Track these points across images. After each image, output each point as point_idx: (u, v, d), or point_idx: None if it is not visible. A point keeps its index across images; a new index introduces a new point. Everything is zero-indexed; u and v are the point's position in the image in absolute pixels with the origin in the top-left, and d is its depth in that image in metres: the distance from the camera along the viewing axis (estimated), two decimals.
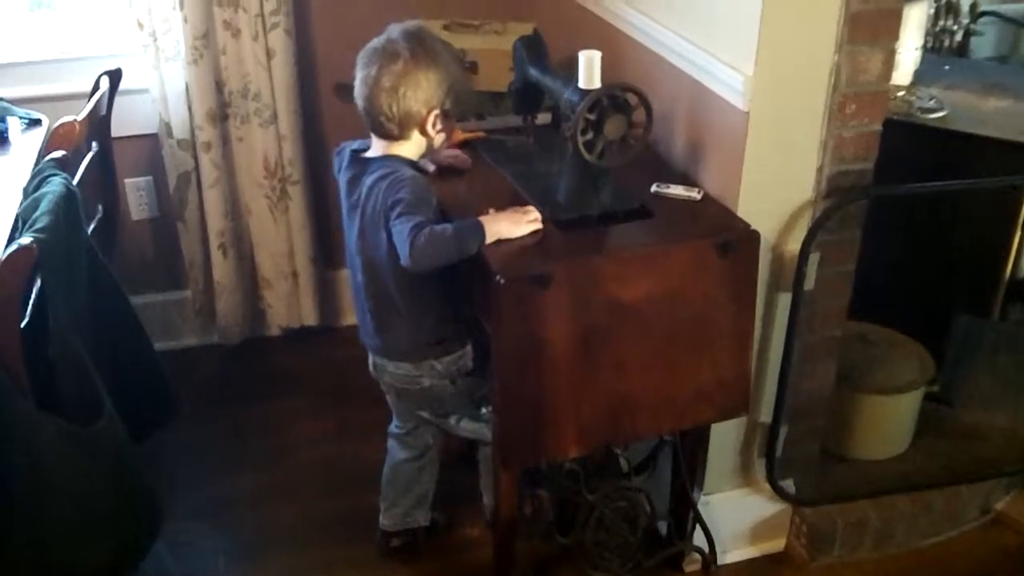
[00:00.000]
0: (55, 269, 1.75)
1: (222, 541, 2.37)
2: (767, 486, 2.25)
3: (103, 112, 2.35)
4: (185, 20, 2.56)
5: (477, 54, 2.42)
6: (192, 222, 2.84)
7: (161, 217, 2.92)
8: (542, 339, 1.82)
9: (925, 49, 2.65)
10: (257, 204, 2.85)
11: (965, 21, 2.96)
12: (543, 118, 2.23)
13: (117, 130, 2.48)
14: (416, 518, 2.29)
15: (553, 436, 1.91)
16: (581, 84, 1.87)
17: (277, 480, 2.55)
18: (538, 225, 1.87)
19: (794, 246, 2.01)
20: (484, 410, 2.05)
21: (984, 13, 3.05)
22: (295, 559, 2.33)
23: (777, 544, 2.35)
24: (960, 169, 2.33)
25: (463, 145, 2.21)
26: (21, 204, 1.88)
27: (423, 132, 1.90)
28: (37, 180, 1.90)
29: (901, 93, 2.51)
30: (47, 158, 1.97)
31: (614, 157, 1.88)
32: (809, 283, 2.03)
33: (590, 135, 1.85)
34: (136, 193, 2.88)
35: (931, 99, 2.49)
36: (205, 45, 2.61)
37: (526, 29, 2.43)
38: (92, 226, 2.20)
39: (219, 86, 2.69)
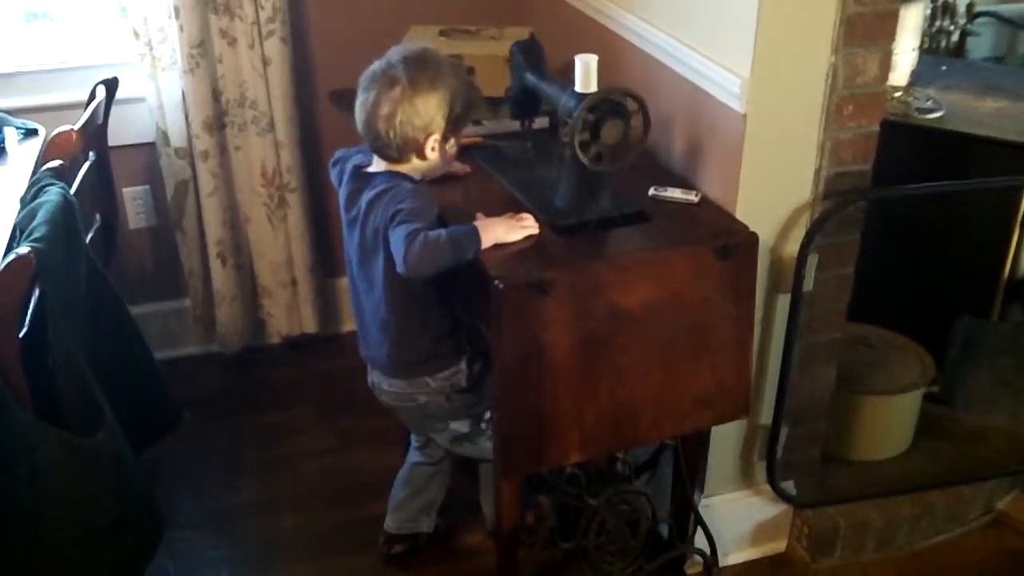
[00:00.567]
0: (54, 279, 1.75)
1: (224, 551, 2.37)
2: (768, 488, 2.25)
3: (100, 121, 2.35)
4: (181, 29, 2.56)
5: (474, 60, 2.42)
6: (190, 231, 2.83)
7: (159, 226, 2.92)
8: (542, 345, 1.81)
9: (922, 50, 2.65)
10: (255, 212, 2.84)
11: (962, 22, 2.97)
12: (541, 123, 2.23)
13: (114, 139, 2.48)
14: (420, 524, 2.29)
15: (554, 443, 1.90)
16: (578, 89, 1.87)
17: (279, 489, 2.55)
18: (534, 231, 1.87)
19: (793, 248, 2.01)
20: (483, 424, 2.05)
21: (981, 14, 3.06)
22: (297, 568, 2.32)
23: (778, 546, 2.35)
24: (958, 170, 2.34)
25: (460, 151, 2.21)
26: (18, 214, 1.88)
27: (421, 156, 1.90)
28: (34, 190, 1.90)
29: (898, 94, 2.51)
30: (44, 168, 1.97)
31: (612, 161, 1.88)
32: (808, 285, 2.03)
33: (588, 140, 1.85)
34: (134, 202, 2.88)
35: (928, 100, 2.49)
36: (201, 54, 2.61)
37: (523, 34, 2.43)
38: (90, 236, 2.20)
39: (216, 94, 2.69)
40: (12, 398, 1.64)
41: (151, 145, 2.76)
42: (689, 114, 2.08)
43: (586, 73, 1.86)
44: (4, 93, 2.62)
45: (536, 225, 1.89)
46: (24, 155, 2.31)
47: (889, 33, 1.91)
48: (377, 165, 1.94)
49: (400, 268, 1.80)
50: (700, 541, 2.24)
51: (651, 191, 2.03)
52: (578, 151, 1.85)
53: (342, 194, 1.99)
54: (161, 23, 2.58)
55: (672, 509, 2.23)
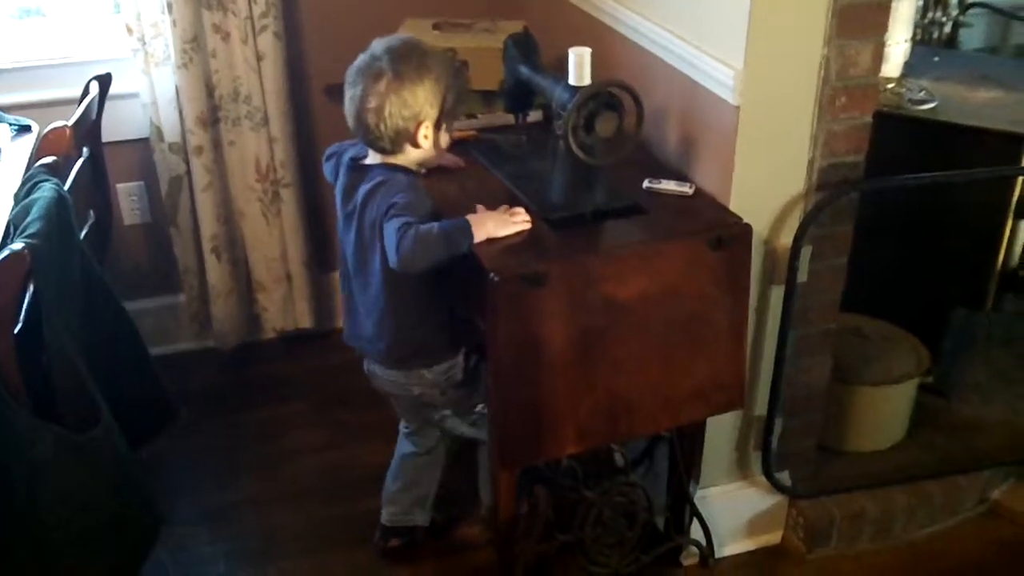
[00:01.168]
0: (48, 275, 1.75)
1: (222, 546, 2.37)
2: (763, 479, 2.26)
3: (93, 117, 2.34)
4: (174, 24, 2.56)
5: (468, 53, 2.42)
6: (185, 227, 2.83)
7: (153, 222, 2.92)
8: (537, 338, 1.82)
9: (914, 41, 2.65)
10: (250, 207, 2.84)
11: (954, 13, 2.97)
12: (535, 116, 2.24)
13: (108, 135, 2.47)
14: (415, 517, 2.29)
15: (550, 435, 1.91)
16: (572, 82, 1.87)
17: (275, 485, 2.55)
18: (526, 226, 1.88)
19: (786, 240, 2.02)
20: (479, 407, 2.05)
21: (973, 4, 3.06)
22: (294, 564, 2.32)
23: (774, 537, 2.36)
24: (951, 160, 2.34)
25: (455, 145, 2.21)
26: (12, 210, 1.88)
27: (415, 145, 1.90)
28: (28, 186, 1.90)
29: (891, 85, 2.51)
30: (38, 164, 1.97)
31: (606, 154, 1.89)
32: (802, 276, 2.04)
33: (582, 133, 1.85)
34: (128, 198, 2.87)
35: (921, 91, 2.49)
36: (195, 49, 2.60)
37: (516, 27, 2.43)
38: (84, 232, 2.19)
39: (209, 90, 2.68)
40: (8, 395, 1.64)
41: (145, 141, 2.75)
42: (682, 106, 2.08)
43: (580, 66, 1.86)
44: None
45: (529, 220, 1.89)
46: (17, 151, 2.30)
47: (882, 24, 1.91)
48: (373, 157, 1.94)
49: (392, 261, 1.81)
50: (696, 532, 2.25)
51: (645, 183, 2.04)
52: (572, 144, 1.85)
53: (338, 188, 2.00)
54: (154, 18, 2.57)
55: (668, 501, 2.24)
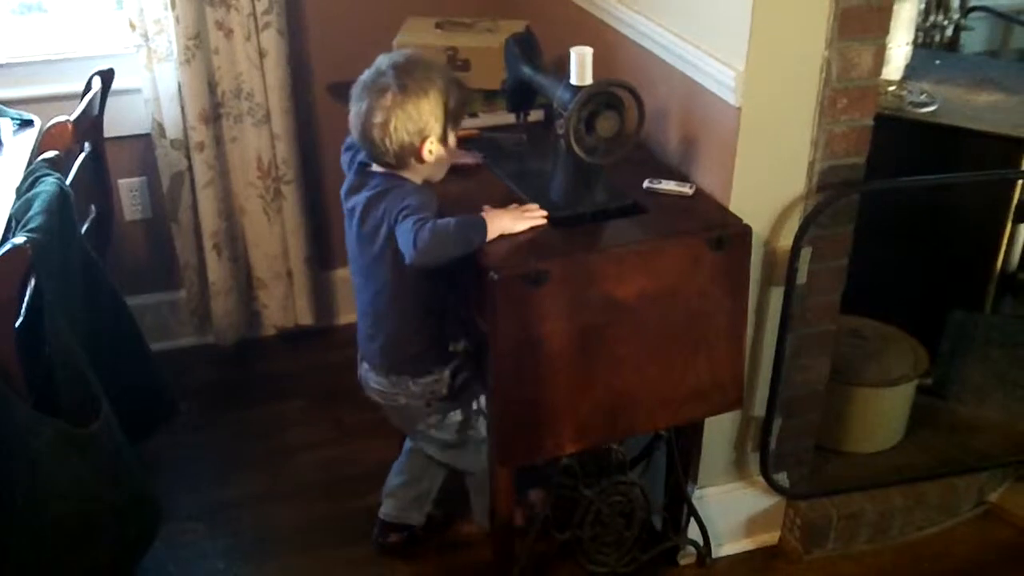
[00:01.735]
0: (50, 269, 1.75)
1: (221, 542, 2.37)
2: (761, 480, 2.26)
3: (95, 112, 2.35)
4: (177, 20, 2.56)
5: (469, 52, 2.42)
6: (186, 223, 2.83)
7: (155, 218, 2.92)
8: (537, 336, 1.82)
9: (916, 44, 2.66)
10: (251, 204, 2.85)
11: (955, 16, 2.98)
12: (536, 116, 2.24)
13: (110, 131, 2.48)
14: (411, 516, 2.29)
15: (549, 433, 1.91)
16: (573, 81, 1.87)
17: (275, 481, 2.55)
18: (539, 221, 1.89)
19: (786, 241, 2.02)
20: (478, 412, 2.06)
21: (974, 8, 3.07)
22: (294, 560, 2.33)
23: (771, 537, 2.36)
24: (951, 163, 2.35)
25: (459, 143, 2.21)
26: (14, 204, 1.88)
27: (420, 160, 1.90)
28: (30, 180, 1.90)
29: (892, 88, 2.52)
30: (40, 158, 1.97)
31: (607, 154, 1.89)
32: (801, 277, 2.04)
33: (583, 132, 1.86)
34: (129, 194, 2.88)
35: (922, 94, 2.50)
36: (197, 45, 2.60)
37: (518, 27, 2.43)
38: (85, 227, 2.20)
39: (212, 86, 2.69)
40: (9, 388, 1.64)
41: (147, 137, 2.75)
42: (684, 107, 2.08)
43: (581, 66, 1.86)
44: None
45: (542, 216, 1.89)
46: (20, 146, 2.31)
47: (883, 27, 1.92)
48: (378, 166, 1.95)
49: (409, 256, 1.81)
50: (693, 532, 2.25)
51: (646, 183, 2.04)
52: (573, 143, 1.86)
53: (345, 183, 2.00)
54: (157, 14, 2.57)
55: (666, 500, 2.24)
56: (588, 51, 1.86)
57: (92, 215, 2.33)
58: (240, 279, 2.94)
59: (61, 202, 1.85)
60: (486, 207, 1.90)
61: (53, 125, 2.11)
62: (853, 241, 2.10)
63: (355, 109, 1.88)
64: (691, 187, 2.03)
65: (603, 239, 1.91)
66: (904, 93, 2.50)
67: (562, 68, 1.93)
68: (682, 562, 2.29)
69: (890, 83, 2.52)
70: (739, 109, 1.88)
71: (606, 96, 1.85)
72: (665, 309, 1.90)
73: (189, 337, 3.04)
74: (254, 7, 2.61)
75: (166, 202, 2.81)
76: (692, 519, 2.23)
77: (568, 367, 1.87)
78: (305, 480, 2.56)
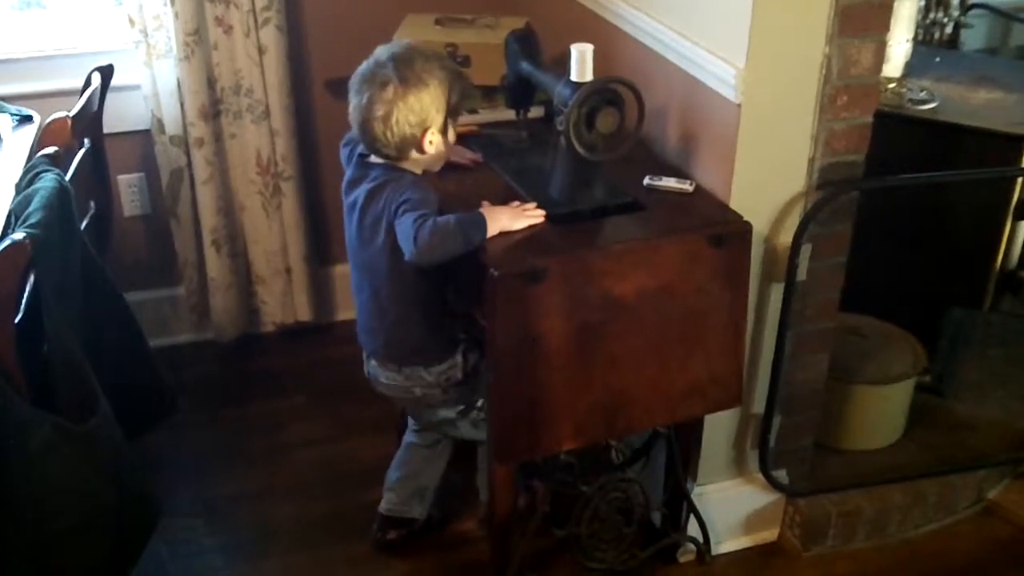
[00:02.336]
0: (49, 265, 1.75)
1: (219, 538, 2.37)
2: (760, 477, 2.26)
3: (95, 108, 2.34)
4: (176, 16, 2.56)
5: (470, 48, 2.42)
6: (185, 219, 2.83)
7: (154, 214, 2.92)
8: (536, 333, 1.82)
9: (916, 41, 2.66)
10: (250, 200, 2.84)
11: (955, 14, 2.98)
12: (536, 112, 2.24)
13: (109, 127, 2.47)
14: (412, 509, 2.29)
15: (548, 430, 1.91)
16: (573, 78, 1.87)
17: (274, 477, 2.55)
18: (538, 219, 1.89)
19: (786, 238, 2.02)
20: (479, 404, 2.06)
21: (974, 6, 3.07)
22: (292, 557, 2.33)
23: (771, 535, 2.36)
24: (951, 160, 2.35)
25: (457, 140, 2.21)
26: (13, 200, 1.88)
27: (421, 151, 1.90)
28: (29, 176, 1.90)
29: (892, 85, 2.52)
30: (39, 154, 1.97)
31: (607, 151, 1.89)
32: (801, 275, 2.04)
33: (583, 129, 1.85)
34: (128, 190, 2.87)
35: (922, 91, 2.50)
36: (196, 41, 2.60)
37: (518, 23, 2.43)
38: (85, 223, 2.20)
39: (211, 82, 2.68)
40: (7, 385, 1.64)
41: (146, 133, 2.75)
42: (684, 104, 2.08)
43: (581, 62, 1.86)
44: None
45: (541, 214, 1.89)
46: (19, 142, 2.30)
47: (883, 24, 1.92)
48: (376, 157, 1.95)
49: (409, 254, 1.81)
50: (693, 529, 2.26)
51: (645, 180, 2.04)
52: (573, 140, 1.85)
53: (345, 177, 2.00)
54: (156, 10, 2.57)
55: (665, 497, 2.24)
56: (588, 48, 1.86)
57: (91, 211, 2.33)
58: (239, 275, 2.94)
59: (61, 198, 1.85)
60: (485, 204, 1.90)
61: (52, 121, 2.10)
62: (852, 238, 2.10)
63: (355, 102, 1.88)
64: (691, 184, 2.03)
65: (602, 236, 1.91)
66: (904, 90, 2.50)
67: (562, 65, 1.92)
68: (681, 559, 2.30)
69: (890, 80, 2.52)
70: (739, 106, 1.88)
71: (606, 93, 1.85)
72: (664, 306, 1.90)
73: (188, 333, 3.03)
74: (253, 3, 2.60)
75: (165, 198, 2.81)
76: (691, 516, 2.23)
77: (567, 364, 1.87)
78: (304, 476, 2.56)
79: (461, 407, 2.07)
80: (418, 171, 1.93)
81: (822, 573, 2.30)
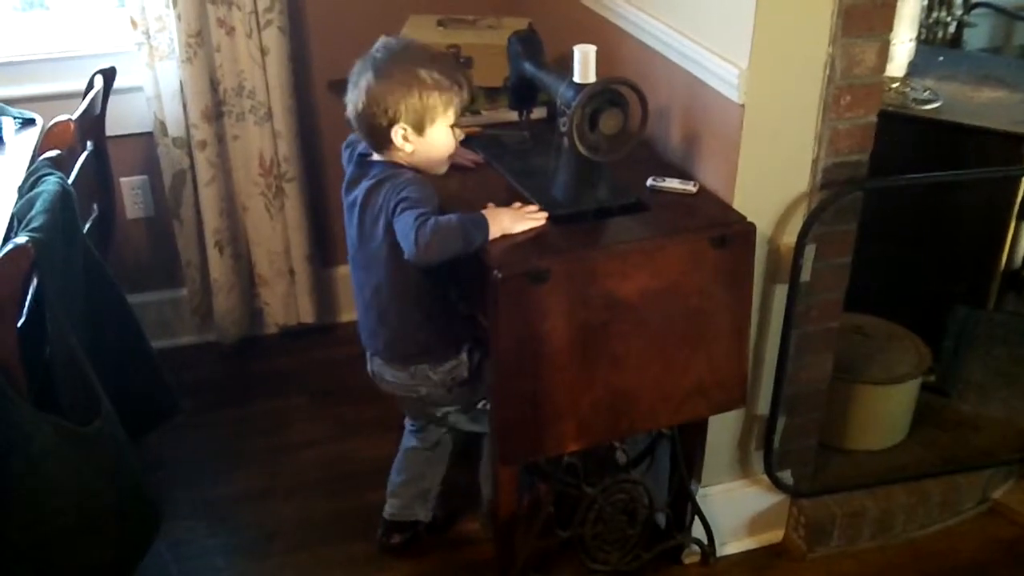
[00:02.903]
0: (52, 268, 1.75)
1: (222, 540, 2.38)
2: (765, 478, 2.26)
3: (97, 111, 2.34)
4: (179, 18, 2.56)
5: (472, 49, 2.42)
6: (188, 221, 2.83)
7: (157, 216, 2.92)
8: (539, 334, 1.82)
9: (919, 41, 2.65)
10: (253, 202, 2.84)
11: (958, 13, 2.98)
12: (539, 113, 2.23)
13: (112, 129, 2.48)
14: (416, 512, 2.29)
15: (552, 432, 1.91)
16: (576, 79, 1.87)
17: (276, 479, 2.55)
18: (540, 222, 1.88)
19: (790, 238, 2.02)
20: (481, 404, 2.06)
21: (977, 4, 3.06)
22: (295, 557, 2.33)
23: (775, 536, 2.36)
24: (955, 160, 2.34)
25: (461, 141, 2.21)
26: (16, 204, 1.88)
27: (391, 144, 1.88)
28: (32, 180, 1.90)
29: (896, 85, 2.51)
30: (42, 157, 1.97)
31: (610, 152, 1.89)
32: (805, 275, 2.04)
33: (586, 130, 1.85)
34: (131, 192, 2.88)
35: (925, 90, 2.49)
36: (199, 43, 2.60)
37: (521, 24, 2.43)
38: (88, 226, 2.20)
39: (214, 84, 2.68)
40: (9, 387, 1.64)
41: (149, 135, 2.75)
42: (687, 104, 2.08)
43: (584, 63, 1.86)
44: (1, 82, 2.61)
45: (543, 216, 1.89)
46: (21, 145, 2.30)
47: (887, 23, 1.91)
48: (377, 154, 1.95)
49: (409, 253, 1.80)
50: (697, 531, 2.25)
51: (649, 181, 2.04)
52: (576, 141, 1.85)
53: (345, 177, 2.00)
54: (159, 12, 2.57)
55: (669, 498, 2.24)
56: (591, 49, 1.86)
57: (94, 214, 2.32)
58: (242, 277, 2.94)
59: (63, 201, 1.84)
60: (488, 205, 1.90)
61: (55, 124, 2.10)
62: (856, 238, 2.10)
63: (348, 89, 1.91)
64: (694, 185, 2.03)
65: (606, 237, 1.91)
66: (907, 90, 2.50)
67: (565, 66, 1.92)
68: (686, 560, 2.29)
69: (893, 80, 2.51)
70: (743, 106, 1.88)
71: (609, 94, 1.85)
72: (668, 307, 1.90)
73: (191, 335, 3.04)
74: (255, 5, 2.61)
75: (168, 200, 2.81)
76: (696, 517, 2.23)
77: (570, 365, 1.86)
78: (307, 477, 2.56)
79: (463, 404, 2.07)
80: (411, 165, 1.91)
81: (827, 574, 2.30)
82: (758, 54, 1.84)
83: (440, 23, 2.56)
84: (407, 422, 2.28)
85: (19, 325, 1.70)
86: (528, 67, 2.06)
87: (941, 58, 2.75)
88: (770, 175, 1.97)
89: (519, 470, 2.06)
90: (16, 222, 1.82)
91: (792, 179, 2.00)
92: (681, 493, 2.20)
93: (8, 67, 2.65)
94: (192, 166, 2.76)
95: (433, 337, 1.99)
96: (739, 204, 1.96)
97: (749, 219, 1.94)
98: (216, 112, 2.72)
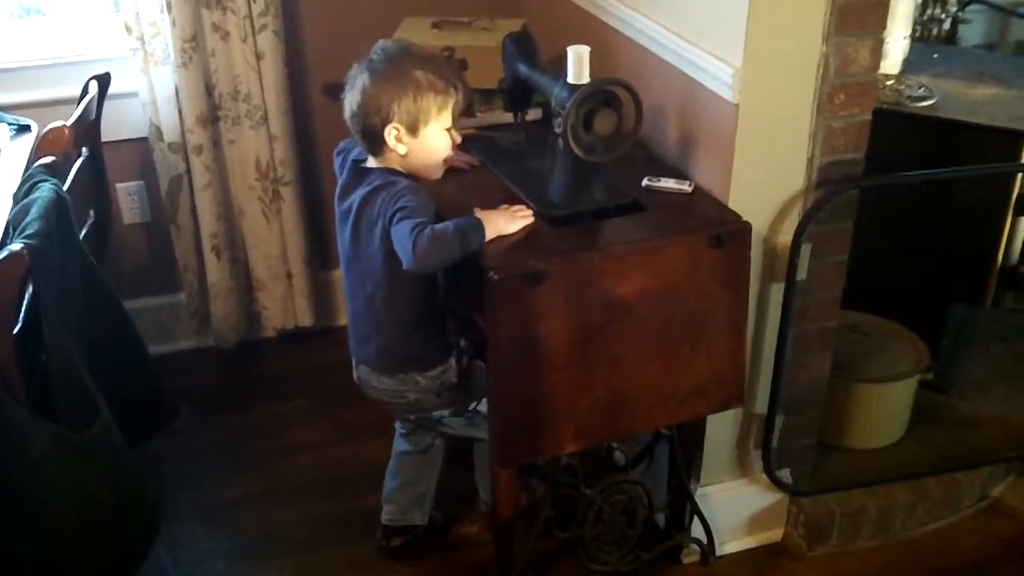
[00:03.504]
0: (47, 275, 1.75)
1: (222, 544, 2.37)
2: (764, 477, 2.26)
3: (92, 117, 2.34)
4: (173, 23, 2.56)
5: (467, 51, 2.41)
6: (185, 225, 2.83)
7: (153, 221, 2.92)
8: (536, 336, 1.82)
9: (913, 38, 2.65)
10: (250, 206, 2.84)
11: (953, 9, 2.97)
12: (534, 114, 2.23)
13: (107, 135, 2.47)
14: (413, 516, 2.29)
15: (550, 433, 1.91)
16: (571, 80, 1.87)
17: (275, 482, 2.55)
18: (530, 220, 1.89)
19: (786, 237, 2.02)
20: (473, 406, 2.05)
21: (972, 1, 3.06)
22: (294, 561, 2.33)
23: (775, 535, 2.36)
24: (950, 157, 2.34)
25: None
26: (11, 210, 1.88)
27: (385, 146, 1.89)
28: (27, 186, 1.90)
29: (890, 82, 2.51)
30: (37, 164, 1.97)
31: (605, 152, 1.89)
32: (801, 274, 2.04)
33: (581, 131, 1.85)
34: (128, 197, 2.88)
35: (920, 88, 2.49)
36: (194, 48, 2.60)
37: (515, 26, 2.43)
38: (84, 232, 2.19)
39: (209, 88, 2.69)
40: (7, 393, 1.64)
41: (144, 140, 2.75)
42: (681, 104, 2.08)
43: (578, 64, 1.86)
44: None
45: (531, 215, 1.90)
46: (16, 151, 2.30)
47: (880, 21, 1.91)
48: (372, 161, 1.94)
49: (407, 262, 1.80)
50: (697, 530, 2.25)
51: (644, 181, 2.04)
52: (571, 142, 1.85)
53: (338, 185, 2.00)
54: (153, 17, 2.57)
55: (668, 498, 2.24)
56: (585, 49, 1.86)
57: (91, 220, 2.32)
58: (240, 281, 2.94)
59: (59, 207, 1.84)
60: (477, 209, 1.90)
61: (50, 130, 2.10)
62: (853, 236, 2.09)
63: (345, 90, 1.92)
64: (690, 184, 2.03)
65: (602, 238, 1.90)
66: (902, 87, 2.50)
67: (559, 67, 1.92)
68: (685, 560, 2.29)
69: (888, 77, 2.51)
70: (737, 106, 1.88)
71: (604, 94, 1.85)
72: (665, 307, 1.90)
73: (189, 339, 3.04)
74: (250, 9, 2.61)
75: (165, 205, 2.81)
76: (695, 517, 2.23)
77: (568, 366, 1.86)
78: (306, 480, 2.56)
79: (454, 408, 2.07)
80: (405, 171, 1.91)
81: (827, 573, 2.29)
82: (752, 53, 1.84)
83: (435, 25, 2.56)
84: (397, 426, 2.28)
85: (15, 331, 1.70)
86: (522, 68, 2.06)
87: (936, 55, 2.75)
88: (765, 174, 1.97)
89: (517, 471, 2.05)
90: (11, 229, 1.81)
91: (787, 178, 2.00)
92: (680, 493, 2.20)
93: (3, 73, 2.65)
94: (188, 171, 2.76)
95: (424, 345, 1.99)
96: (735, 203, 1.96)
97: (745, 218, 1.94)
98: (212, 117, 2.72)
